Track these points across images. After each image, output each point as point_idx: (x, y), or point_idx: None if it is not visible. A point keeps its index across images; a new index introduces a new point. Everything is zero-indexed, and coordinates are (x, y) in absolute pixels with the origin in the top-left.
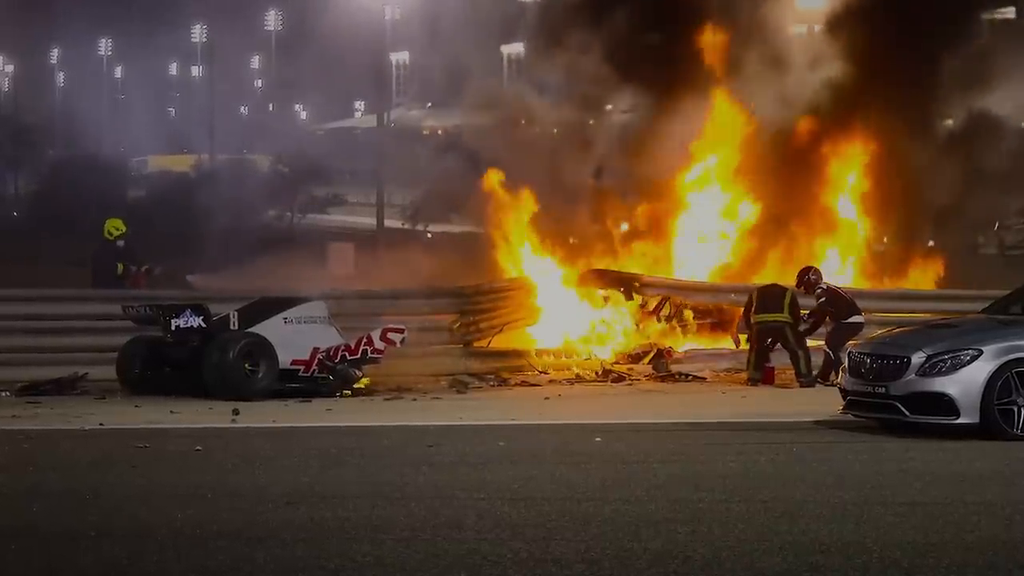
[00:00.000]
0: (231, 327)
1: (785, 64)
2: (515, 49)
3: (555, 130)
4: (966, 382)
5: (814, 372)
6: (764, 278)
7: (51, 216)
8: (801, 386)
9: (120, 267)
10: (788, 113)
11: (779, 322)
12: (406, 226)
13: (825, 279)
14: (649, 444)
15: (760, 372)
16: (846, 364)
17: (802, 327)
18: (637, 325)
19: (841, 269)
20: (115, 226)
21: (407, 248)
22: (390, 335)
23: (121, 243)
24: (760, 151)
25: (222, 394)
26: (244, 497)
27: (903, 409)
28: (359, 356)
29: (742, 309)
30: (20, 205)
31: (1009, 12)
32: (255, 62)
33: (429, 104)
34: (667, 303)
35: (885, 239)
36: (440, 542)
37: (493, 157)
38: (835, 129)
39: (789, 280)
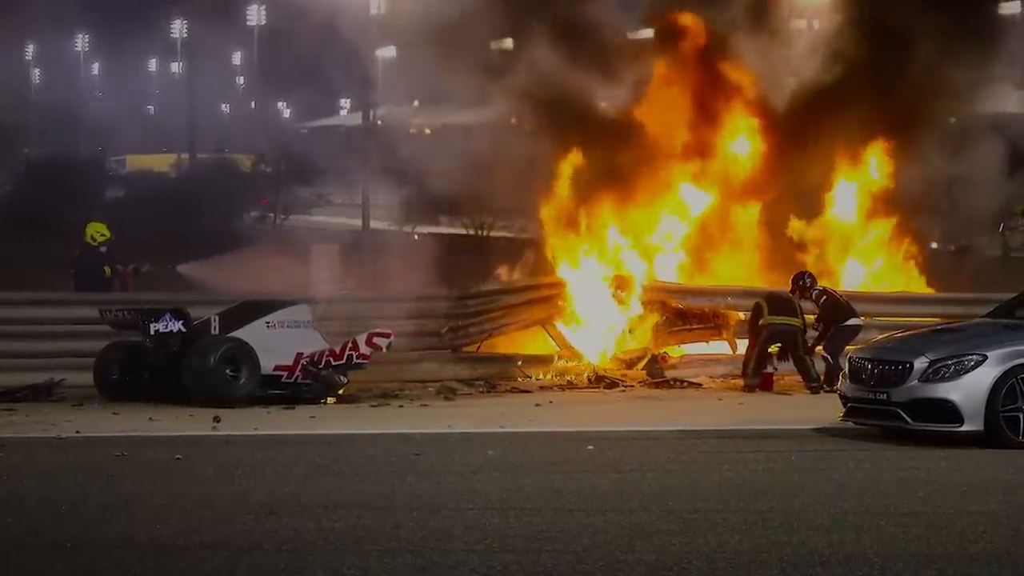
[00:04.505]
0: (212, 331)
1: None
2: (506, 45)
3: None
4: (970, 388)
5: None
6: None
7: (26, 217)
8: (812, 392)
9: (108, 270)
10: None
11: (793, 326)
12: (392, 227)
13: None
14: (643, 452)
15: (758, 378)
16: (846, 370)
17: (810, 334)
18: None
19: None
20: (99, 231)
21: (394, 250)
22: (376, 340)
23: (103, 248)
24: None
25: (203, 400)
26: (225, 507)
27: (905, 416)
28: (344, 361)
29: (745, 316)
30: None
31: (1014, 8)
32: (237, 58)
33: (416, 102)
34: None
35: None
36: (427, 553)
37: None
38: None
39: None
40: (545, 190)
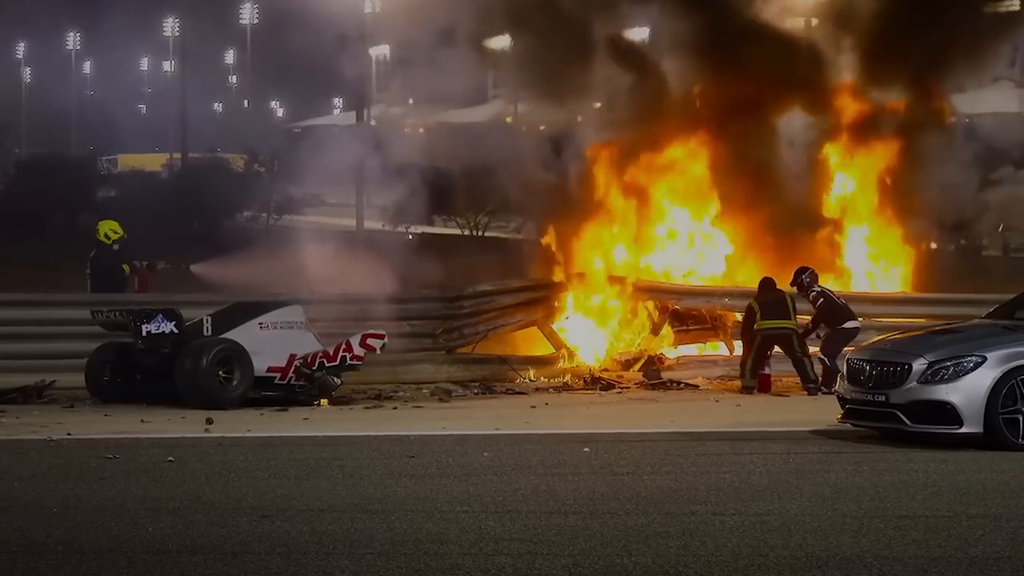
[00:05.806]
0: (204, 333)
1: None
2: (501, 43)
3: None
4: (969, 390)
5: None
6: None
7: (17, 217)
8: (809, 393)
9: (127, 268)
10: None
11: (788, 329)
12: (386, 227)
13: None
14: (639, 454)
15: (755, 380)
16: (844, 371)
17: (799, 330)
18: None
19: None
20: (112, 229)
21: (388, 250)
22: (370, 341)
23: (117, 246)
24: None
25: (195, 402)
26: (218, 510)
27: (904, 418)
28: (338, 363)
29: (741, 318)
30: None
31: (1014, 5)
32: (229, 57)
33: (411, 100)
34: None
35: (934, 244)
36: (422, 557)
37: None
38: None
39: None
40: (542, 189)
